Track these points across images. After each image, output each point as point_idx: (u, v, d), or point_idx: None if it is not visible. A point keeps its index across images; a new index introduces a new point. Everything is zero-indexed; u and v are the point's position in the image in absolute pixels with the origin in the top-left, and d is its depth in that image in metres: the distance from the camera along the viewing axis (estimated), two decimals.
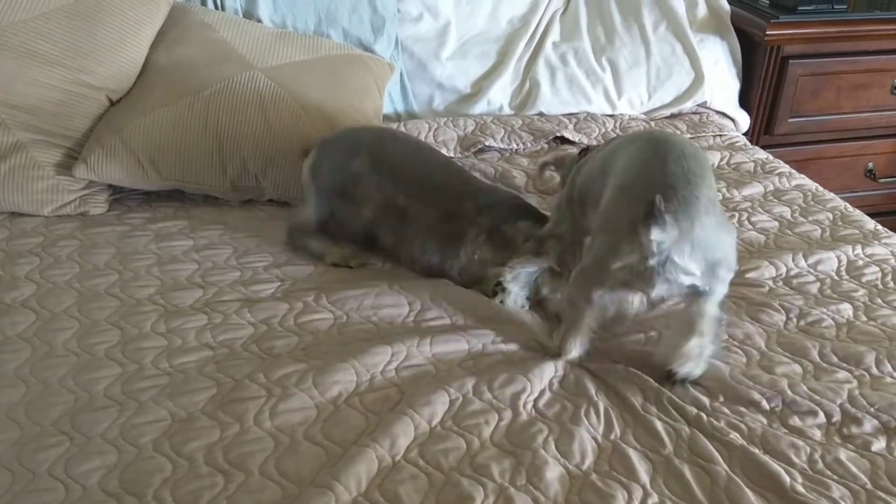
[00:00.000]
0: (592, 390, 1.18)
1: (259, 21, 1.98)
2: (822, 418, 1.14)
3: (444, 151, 1.98)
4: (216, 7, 1.98)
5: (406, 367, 1.22)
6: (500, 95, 2.18)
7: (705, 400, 1.17)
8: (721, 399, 1.17)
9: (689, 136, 2.11)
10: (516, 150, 2.03)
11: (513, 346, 1.29)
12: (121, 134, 1.63)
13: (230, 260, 1.50)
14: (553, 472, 1.02)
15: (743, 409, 1.15)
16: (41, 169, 1.62)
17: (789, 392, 1.17)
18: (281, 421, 1.10)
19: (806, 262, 1.54)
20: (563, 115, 2.17)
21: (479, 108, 2.17)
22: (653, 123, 2.17)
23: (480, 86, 2.18)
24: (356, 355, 1.22)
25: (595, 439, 1.09)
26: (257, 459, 1.03)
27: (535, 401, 1.16)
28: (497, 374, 1.20)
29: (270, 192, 1.72)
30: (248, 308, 1.35)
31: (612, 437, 1.10)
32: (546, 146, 2.05)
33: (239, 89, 1.72)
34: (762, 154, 2.05)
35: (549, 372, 1.21)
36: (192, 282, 1.43)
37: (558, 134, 2.06)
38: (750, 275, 1.49)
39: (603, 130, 2.10)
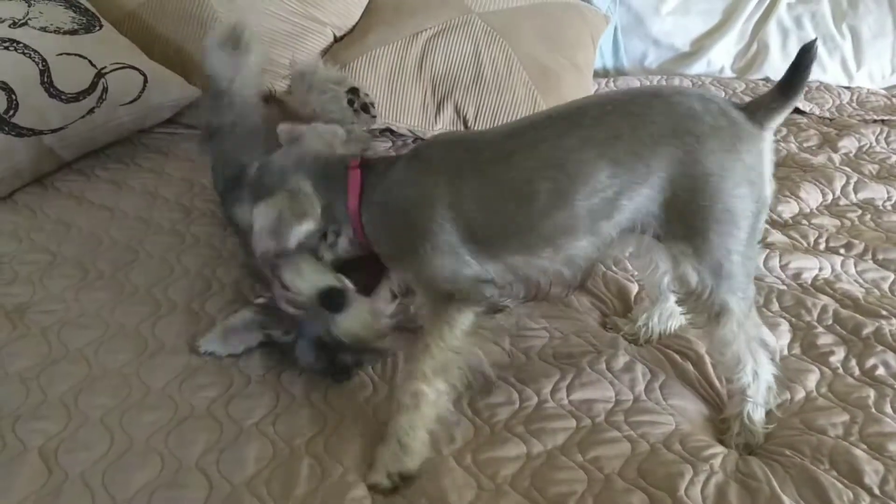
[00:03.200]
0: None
1: None
2: None
3: None
4: None
5: None
6: (722, 56, 2.05)
7: None
8: None
9: None
10: None
11: None
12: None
13: None
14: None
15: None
16: None
17: None
18: None
19: None
20: None
21: (698, 68, 2.05)
22: (894, 100, 1.95)
23: (701, 44, 2.05)
24: None
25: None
26: None
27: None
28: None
29: None
30: None
31: None
32: None
33: (455, 33, 1.71)
34: None
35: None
36: None
37: None
38: None
39: (837, 103, 1.92)
